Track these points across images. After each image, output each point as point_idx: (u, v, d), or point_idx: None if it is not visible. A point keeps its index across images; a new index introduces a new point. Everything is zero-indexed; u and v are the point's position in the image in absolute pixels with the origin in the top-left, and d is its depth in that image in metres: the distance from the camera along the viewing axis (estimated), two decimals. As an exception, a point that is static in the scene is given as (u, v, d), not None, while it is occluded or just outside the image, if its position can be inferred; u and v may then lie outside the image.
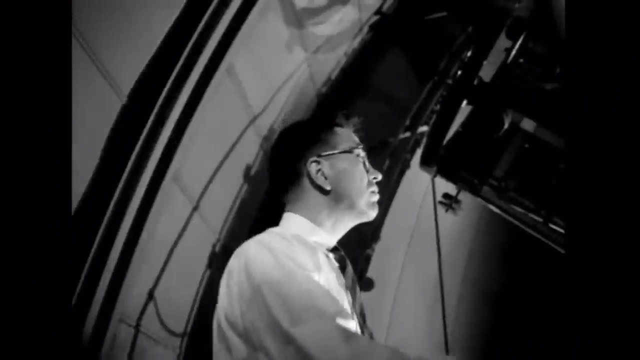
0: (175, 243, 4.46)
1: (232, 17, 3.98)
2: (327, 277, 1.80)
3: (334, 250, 1.98)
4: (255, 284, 1.63)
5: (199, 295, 5.08)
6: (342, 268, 1.94)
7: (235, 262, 1.76)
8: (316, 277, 1.72)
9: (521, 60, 5.10)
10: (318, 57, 6.07)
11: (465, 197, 5.71)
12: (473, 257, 7.81)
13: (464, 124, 5.39)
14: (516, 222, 5.48)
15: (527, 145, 5.31)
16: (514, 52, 5.09)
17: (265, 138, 5.57)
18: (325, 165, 1.95)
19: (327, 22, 5.90)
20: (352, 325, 1.67)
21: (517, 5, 5.03)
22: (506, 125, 4.87)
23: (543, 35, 4.98)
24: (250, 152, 5.50)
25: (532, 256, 6.78)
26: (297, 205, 1.97)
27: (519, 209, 5.44)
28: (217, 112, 4.39)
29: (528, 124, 4.88)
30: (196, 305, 5.06)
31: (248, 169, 5.53)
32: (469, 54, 5.39)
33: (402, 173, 7.12)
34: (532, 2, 5.07)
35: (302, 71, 5.94)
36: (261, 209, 5.74)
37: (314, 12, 5.63)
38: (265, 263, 1.67)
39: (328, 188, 1.93)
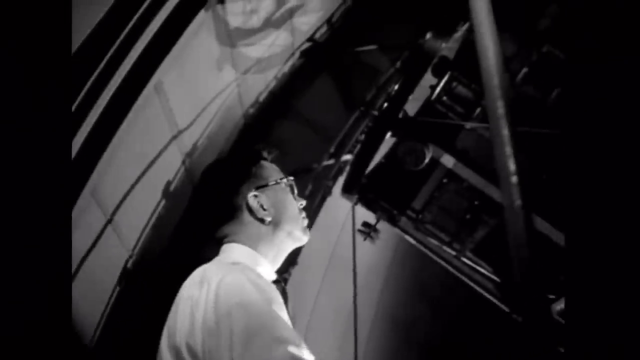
0: (86, 257, 4.29)
1: (163, 34, 3.92)
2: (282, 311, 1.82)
3: (275, 282, 2.02)
4: (223, 318, 1.65)
5: (108, 310, 4.89)
6: (285, 300, 1.97)
7: (200, 292, 1.75)
8: (280, 313, 1.76)
9: (445, 98, 5.30)
10: (248, 78, 6.07)
11: (384, 226, 5.82)
12: (388, 286, 7.94)
13: (386, 156, 5.52)
14: (431, 254, 5.64)
15: (445, 180, 5.49)
16: (438, 89, 5.29)
17: (188, 154, 5.49)
18: (262, 198, 2.04)
19: (259, 44, 5.91)
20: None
21: (444, 45, 5.24)
22: (427, 160, 5.04)
23: (467, 76, 5.20)
24: (171, 168, 5.39)
25: (444, 288, 6.98)
26: (238, 237, 2.03)
27: (434, 242, 5.61)
28: (141, 128, 4.30)
29: (447, 160, 5.06)
30: (103, 322, 4.86)
31: (168, 185, 5.42)
32: (395, 87, 5.55)
33: (323, 199, 7.18)
34: (459, 44, 5.31)
35: (230, 91, 5.91)
36: (178, 226, 5.62)
37: (247, 33, 5.64)
38: (235, 297, 1.69)
39: (269, 219, 2.03)
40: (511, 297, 5.28)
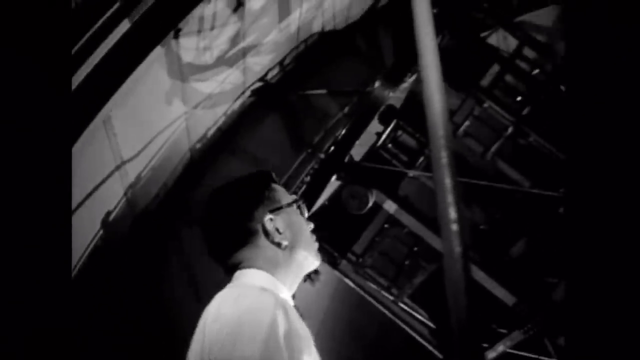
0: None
1: (114, 69, 3.90)
2: (308, 344, 1.77)
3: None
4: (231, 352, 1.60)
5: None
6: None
7: (215, 326, 1.68)
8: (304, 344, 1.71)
9: (390, 145, 5.44)
10: (197, 113, 6.06)
11: (324, 268, 5.84)
12: (325, 327, 7.91)
13: (330, 198, 5.59)
14: (369, 298, 5.68)
15: (386, 226, 5.59)
16: (384, 137, 5.43)
17: (131, 186, 5.40)
18: (277, 222, 1.98)
19: (210, 80, 5.94)
20: None
21: (391, 94, 5.39)
22: (370, 204, 5.12)
23: (412, 126, 5.36)
24: (112, 198, 5.29)
25: (381, 332, 7.00)
26: (255, 262, 1.93)
27: (372, 286, 5.66)
28: (87, 157, 4.22)
29: (390, 206, 5.16)
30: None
31: (107, 214, 5.30)
32: (343, 132, 5.65)
33: (266, 238, 7.15)
34: (406, 94, 5.48)
35: (178, 124, 5.89)
36: (116, 255, 5.48)
37: (199, 69, 5.67)
38: (253, 336, 1.63)
39: (285, 243, 1.96)
40: (446, 344, 5.35)
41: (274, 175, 2.17)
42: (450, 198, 1.20)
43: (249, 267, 1.94)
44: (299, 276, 2.03)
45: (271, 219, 1.99)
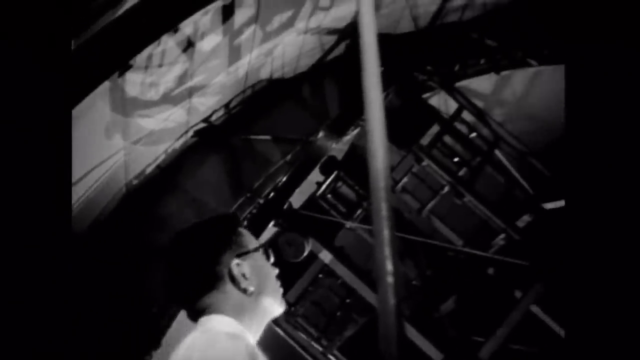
0: None
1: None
2: None
3: None
4: None
5: None
6: None
7: None
8: None
9: (329, 196, 5.49)
10: (137, 148, 5.96)
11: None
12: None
13: (267, 245, 5.55)
14: (298, 348, 5.60)
15: (320, 276, 5.58)
16: (324, 187, 5.48)
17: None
18: (243, 267, 1.93)
19: (154, 117, 5.88)
20: None
21: (334, 145, 5.48)
22: (306, 253, 5.12)
23: (352, 178, 5.44)
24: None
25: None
26: (221, 308, 1.87)
27: (302, 335, 5.59)
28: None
29: (325, 256, 5.17)
30: None
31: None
32: (283, 179, 5.67)
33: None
34: (348, 147, 5.58)
35: (117, 159, 5.76)
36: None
37: (143, 105, 5.60)
38: None
39: (252, 289, 1.91)
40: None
41: (240, 218, 2.15)
42: (387, 250, 1.22)
43: (215, 313, 1.91)
44: (263, 322, 1.99)
45: (238, 264, 1.95)
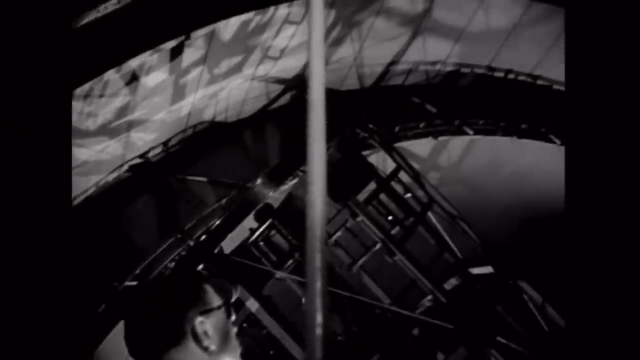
0: None
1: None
2: None
3: None
4: None
5: None
6: None
7: None
8: None
9: (262, 243, 5.44)
10: (67, 178, 5.75)
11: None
12: None
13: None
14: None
15: (245, 325, 5.46)
16: (257, 234, 5.42)
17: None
18: (206, 324, 1.87)
19: (88, 147, 5.72)
20: None
21: (271, 193, 5.46)
22: (233, 300, 5.00)
23: (286, 227, 5.42)
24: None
25: None
26: None
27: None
28: None
29: (252, 304, 5.07)
30: None
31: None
32: (217, 222, 5.59)
33: (116, 322, 6.70)
34: (285, 196, 5.57)
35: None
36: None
37: (79, 134, 5.45)
38: None
39: (213, 347, 1.85)
40: None
41: (205, 274, 2.13)
42: (318, 302, 1.20)
43: None
44: None
45: (202, 322, 1.93)
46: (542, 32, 7.18)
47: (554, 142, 7.86)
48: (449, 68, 7.71)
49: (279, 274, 5.33)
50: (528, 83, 7.82)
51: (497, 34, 7.25)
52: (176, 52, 5.86)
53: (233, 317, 2.09)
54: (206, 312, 1.99)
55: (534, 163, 8.34)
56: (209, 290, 2.08)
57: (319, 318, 1.20)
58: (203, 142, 7.31)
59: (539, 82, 7.80)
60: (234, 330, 2.07)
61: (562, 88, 7.78)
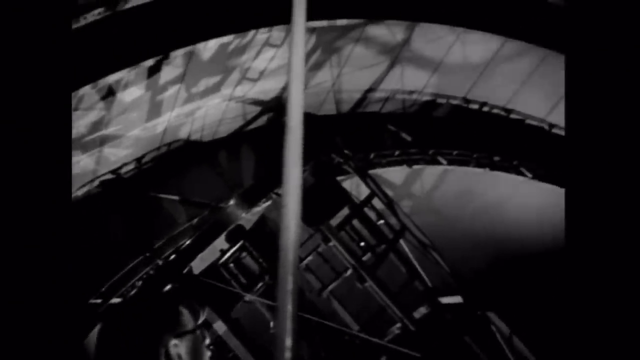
0: None
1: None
2: None
3: None
4: None
5: None
6: None
7: None
8: None
9: (232, 265, 5.37)
10: (35, 191, 5.64)
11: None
12: None
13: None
14: None
15: (212, 347, 5.36)
16: (227, 255, 5.37)
17: None
18: (180, 347, 1.84)
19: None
20: None
21: (243, 214, 5.42)
22: (200, 321, 4.92)
23: (258, 250, 5.37)
24: None
25: None
26: None
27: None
28: None
29: (220, 327, 5.00)
30: None
31: None
32: (187, 242, 5.52)
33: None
34: (257, 218, 5.53)
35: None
36: None
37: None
38: None
39: None
40: None
41: (179, 296, 2.10)
42: (288, 325, 1.18)
43: None
44: None
45: (175, 345, 1.90)
46: (516, 68, 7.34)
47: (526, 176, 7.99)
48: (426, 98, 7.82)
49: (248, 297, 5.27)
50: (502, 116, 7.97)
51: (473, 67, 7.39)
52: (154, 69, 5.84)
53: (207, 341, 2.07)
54: (180, 335, 1.96)
55: (505, 195, 8.45)
56: (184, 312, 2.05)
57: (288, 342, 1.18)
58: (177, 160, 7.26)
59: (512, 116, 7.95)
60: (208, 354, 2.04)
61: (534, 123, 7.94)
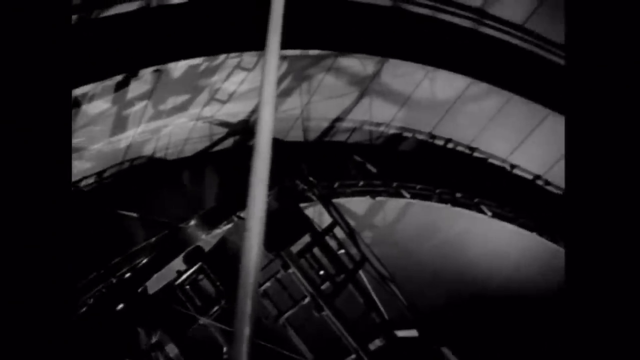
0: None
1: None
2: None
3: None
4: None
5: None
6: None
7: None
8: None
9: (188, 287, 5.28)
10: None
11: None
12: None
13: (110, 327, 5.15)
14: None
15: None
16: (184, 276, 5.27)
17: None
18: None
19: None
20: None
21: (203, 236, 5.36)
22: (151, 342, 4.80)
23: (216, 273, 5.30)
24: None
25: None
26: None
27: None
28: None
29: (172, 349, 4.88)
30: None
31: None
32: (144, 261, 5.41)
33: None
34: (217, 240, 5.47)
35: None
36: None
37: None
38: None
39: None
40: None
41: (134, 315, 2.07)
42: (244, 348, 1.18)
43: None
44: None
45: None
46: (482, 108, 7.53)
47: (485, 214, 8.13)
48: (392, 131, 7.92)
49: (202, 320, 5.17)
50: (465, 154, 8.12)
51: (441, 104, 7.54)
52: (122, 84, 5.78)
53: None
54: (136, 356, 1.93)
55: (465, 232, 8.57)
56: (141, 332, 2.01)
57: (242, 366, 1.17)
58: (139, 177, 7.16)
59: (476, 154, 8.11)
60: None
61: (496, 162, 8.12)
